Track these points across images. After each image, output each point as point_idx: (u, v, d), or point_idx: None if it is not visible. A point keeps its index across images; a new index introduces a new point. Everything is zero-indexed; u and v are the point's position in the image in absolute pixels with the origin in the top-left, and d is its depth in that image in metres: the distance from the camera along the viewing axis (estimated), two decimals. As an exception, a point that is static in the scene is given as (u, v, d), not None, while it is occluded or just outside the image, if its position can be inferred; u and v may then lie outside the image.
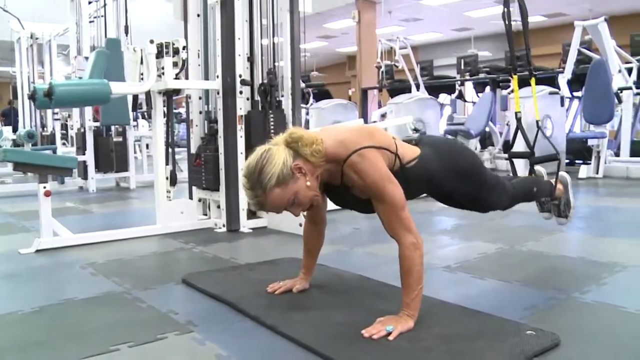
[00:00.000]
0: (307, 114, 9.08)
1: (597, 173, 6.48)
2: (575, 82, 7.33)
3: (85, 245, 3.33)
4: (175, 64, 3.57)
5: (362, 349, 1.67)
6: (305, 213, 2.13)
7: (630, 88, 6.69)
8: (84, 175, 6.19)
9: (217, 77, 3.74)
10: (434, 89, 9.78)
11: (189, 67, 3.87)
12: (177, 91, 3.67)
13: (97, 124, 6.11)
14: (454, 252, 3.07)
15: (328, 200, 2.14)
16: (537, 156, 2.82)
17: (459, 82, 9.63)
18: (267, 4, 4.00)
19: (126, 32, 6.17)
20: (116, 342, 1.80)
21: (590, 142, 6.76)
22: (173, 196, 3.79)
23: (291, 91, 3.94)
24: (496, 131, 8.11)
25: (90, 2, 6.27)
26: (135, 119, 7.67)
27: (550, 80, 7.76)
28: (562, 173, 2.81)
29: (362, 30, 12.68)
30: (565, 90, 7.29)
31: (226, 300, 2.18)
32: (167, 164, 3.71)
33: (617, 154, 6.88)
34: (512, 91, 6.83)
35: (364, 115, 10.59)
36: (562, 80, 7.25)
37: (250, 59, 3.94)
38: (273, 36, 4.03)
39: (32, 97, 3.33)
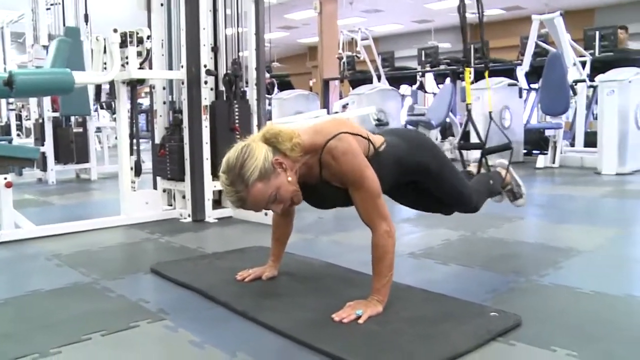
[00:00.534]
0: (270, 104, 9.07)
1: (554, 163, 6.67)
2: (533, 74, 7.52)
3: (48, 237, 3.28)
4: (139, 54, 3.53)
5: (333, 333, 1.71)
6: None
7: (584, 81, 6.90)
8: (43, 167, 6.05)
9: (182, 67, 3.71)
10: (395, 80, 9.89)
11: (152, 57, 3.83)
12: (142, 81, 3.64)
13: (56, 114, 5.97)
14: (418, 240, 3.15)
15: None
16: (489, 147, 2.88)
17: (419, 74, 9.75)
18: (231, -7, 3.99)
19: (86, 21, 6.05)
20: (87, 331, 1.80)
21: (547, 132, 6.96)
22: (137, 187, 3.76)
23: (256, 81, 3.94)
24: (456, 122, 8.26)
25: (47, -12, 6.12)
26: (96, 110, 7.51)
27: (509, 72, 7.94)
28: (500, 160, 2.88)
29: (324, 21, 12.70)
30: (523, 82, 7.47)
31: (196, 289, 2.20)
32: (131, 154, 3.68)
33: (572, 144, 7.10)
34: (472, 82, 6.99)
35: (326, 105, 10.63)
36: (520, 72, 7.42)
37: (215, 49, 3.93)
38: (237, 26, 4.02)
39: (-9, 86, 3.26)
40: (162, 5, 3.95)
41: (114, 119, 9.85)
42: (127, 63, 3.52)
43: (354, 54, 10.33)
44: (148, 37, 3.58)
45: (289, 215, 2.27)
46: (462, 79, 8.39)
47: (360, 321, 1.77)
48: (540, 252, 2.84)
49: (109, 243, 3.17)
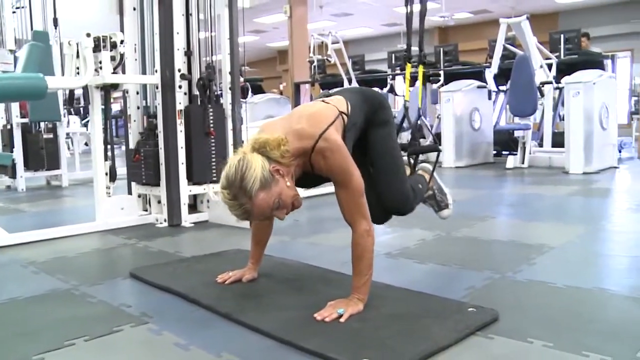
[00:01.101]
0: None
1: (523, 163, 6.82)
2: (501, 77, 7.67)
3: (22, 244, 3.24)
4: (112, 59, 3.52)
5: (316, 331, 1.74)
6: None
7: (550, 82, 7.07)
8: (12, 174, 5.93)
9: (156, 71, 3.71)
10: (366, 83, 9.96)
11: (125, 61, 3.81)
12: (116, 86, 3.61)
13: (25, 120, 5.87)
14: (393, 240, 3.19)
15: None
16: (415, 147, 2.65)
17: (390, 77, 9.85)
18: (204, -3, 3.99)
19: (55, 25, 5.96)
20: (70, 337, 1.79)
21: (516, 133, 7.11)
22: (112, 192, 3.74)
23: (230, 86, 3.95)
24: (427, 124, 8.35)
25: (12, -9, 6.01)
26: (64, 115, 7.40)
27: (477, 74, 8.09)
28: (422, 164, 2.67)
29: (294, 25, 12.72)
30: (492, 85, 7.62)
31: (178, 292, 2.20)
32: (105, 159, 3.65)
33: (540, 145, 7.26)
34: (443, 84, 7.10)
35: (298, 109, 10.64)
36: (489, 74, 7.57)
37: (188, 53, 3.93)
38: (211, 30, 4.02)
39: (-40, 91, 3.20)
40: (134, 9, 3.93)
41: (84, 125, 9.75)
42: (100, 68, 3.50)
43: (325, 57, 10.39)
44: (121, 42, 3.56)
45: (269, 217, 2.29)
46: (432, 82, 8.56)
47: (342, 319, 1.81)
48: (514, 249, 2.92)
49: (86, 249, 3.15)
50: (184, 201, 3.76)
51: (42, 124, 6.16)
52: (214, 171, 3.82)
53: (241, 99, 4.06)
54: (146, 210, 3.99)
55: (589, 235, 3.19)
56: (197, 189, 3.86)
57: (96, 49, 3.47)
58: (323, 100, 2.07)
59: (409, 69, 3.10)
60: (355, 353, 1.57)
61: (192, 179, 3.80)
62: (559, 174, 6.03)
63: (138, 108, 3.97)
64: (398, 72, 9.76)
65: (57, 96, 5.58)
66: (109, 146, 3.71)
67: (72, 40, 3.53)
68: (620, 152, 7.54)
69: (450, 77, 8.22)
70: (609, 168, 6.40)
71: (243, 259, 2.43)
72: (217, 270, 2.39)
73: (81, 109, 10.93)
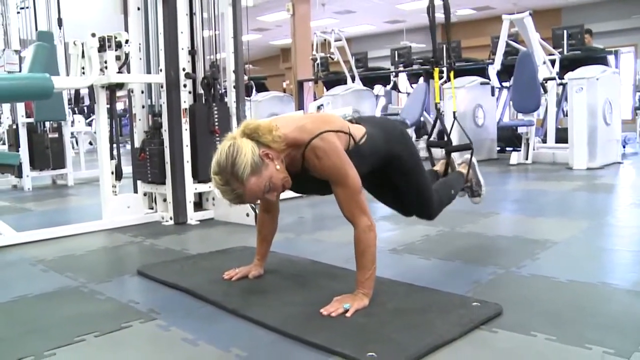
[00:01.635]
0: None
1: (527, 159, 6.83)
2: (504, 73, 7.68)
3: (30, 243, 3.28)
4: (117, 58, 3.55)
5: (322, 326, 1.76)
6: (258, 202, 2.20)
7: (554, 79, 7.07)
8: (18, 174, 5.98)
9: (161, 70, 3.73)
10: (369, 81, 9.99)
11: (130, 61, 3.84)
12: (121, 85, 3.64)
13: (31, 120, 5.91)
14: (398, 236, 3.22)
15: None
16: (452, 145, 2.96)
17: (393, 74, 9.86)
18: (208, -4, 4.02)
19: (59, 25, 5.99)
20: (80, 333, 1.82)
21: (519, 130, 7.11)
22: (118, 191, 3.77)
23: (235, 84, 3.98)
24: (430, 121, 8.37)
25: (17, -9, 6.04)
26: (70, 115, 7.44)
27: (480, 71, 8.09)
28: (466, 156, 2.97)
29: (297, 23, 12.74)
30: (495, 81, 7.62)
31: (185, 288, 2.23)
32: (111, 158, 3.69)
33: (544, 141, 7.27)
34: (446, 81, 7.12)
35: (301, 107, 10.69)
36: (492, 71, 7.57)
37: (192, 52, 3.95)
38: (215, 29, 4.05)
39: (-33, 92, 3.24)
40: (138, 9, 3.95)
41: (89, 124, 9.79)
42: (105, 67, 3.53)
43: (328, 55, 10.40)
44: (126, 41, 3.59)
45: (273, 211, 2.32)
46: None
47: (348, 314, 1.83)
48: (518, 244, 2.93)
49: (93, 247, 3.18)
50: (190, 199, 3.79)
51: (48, 124, 6.20)
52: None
53: (245, 97, 4.07)
54: (152, 209, 4.02)
55: (592, 230, 3.20)
56: (202, 187, 3.89)
57: (101, 48, 3.51)
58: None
59: (436, 72, 3.23)
60: (360, 347, 1.59)
61: (197, 177, 3.82)
62: (562, 170, 6.04)
63: (143, 107, 4.00)
64: (401, 69, 9.78)
65: (61, 96, 5.61)
66: (114, 145, 3.74)
67: (78, 40, 3.56)
68: (624, 147, 7.54)
69: (454, 74, 8.21)
70: (613, 163, 6.40)
71: (249, 256, 2.46)
72: (223, 267, 2.42)
73: (85, 108, 10.97)
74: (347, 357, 1.56)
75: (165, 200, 3.85)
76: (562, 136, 6.89)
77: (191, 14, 3.94)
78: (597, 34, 9.36)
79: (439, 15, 3.27)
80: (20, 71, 4.96)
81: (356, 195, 1.92)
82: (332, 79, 10.33)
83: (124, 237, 3.41)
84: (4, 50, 6.04)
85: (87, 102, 9.25)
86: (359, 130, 2.08)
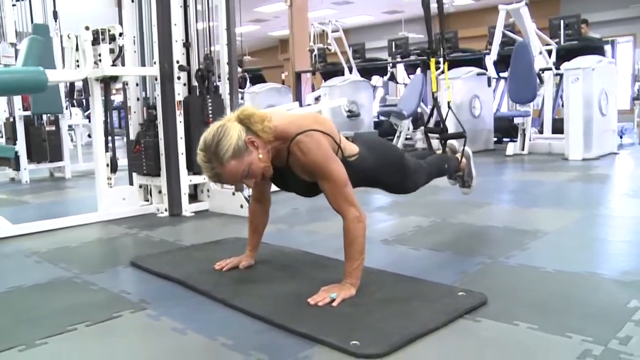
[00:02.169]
0: (242, 98, 9.11)
1: (523, 150, 6.84)
2: (501, 63, 7.68)
3: (26, 235, 3.30)
4: (112, 51, 3.56)
5: (308, 315, 1.79)
6: (250, 192, 2.24)
7: (550, 69, 7.08)
8: (16, 166, 5.99)
9: (155, 63, 3.75)
10: (367, 72, 9.99)
11: (125, 53, 3.85)
12: (115, 78, 3.66)
13: (28, 112, 5.93)
14: (390, 227, 3.24)
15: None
16: (446, 133, 3.09)
17: (390, 65, 9.86)
18: (202, -12, 4.02)
19: (55, 18, 6.00)
20: (72, 322, 1.85)
21: (516, 120, 7.12)
22: (113, 183, 3.80)
23: (228, 76, 3.99)
24: (428, 111, 8.38)
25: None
26: (67, 107, 7.45)
27: (478, 61, 8.09)
28: (465, 148, 3.05)
29: (294, 14, 12.71)
30: (492, 71, 7.62)
31: (176, 279, 2.26)
32: (106, 151, 3.71)
33: (540, 132, 7.28)
34: (442, 72, 7.12)
35: (298, 98, 10.69)
36: (489, 61, 7.58)
37: (187, 45, 3.97)
38: (209, 21, 4.06)
39: (-39, 85, 3.26)
40: (132, 1, 3.96)
41: (87, 117, 9.80)
42: (99, 60, 3.54)
43: (325, 46, 10.39)
44: (120, 34, 3.60)
45: (265, 202, 2.35)
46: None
47: (335, 304, 1.86)
48: (508, 235, 2.96)
49: (88, 239, 3.21)
50: (185, 191, 3.81)
51: (45, 117, 6.21)
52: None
53: (239, 89, 4.09)
54: (147, 201, 4.05)
55: (584, 220, 3.23)
56: (197, 179, 3.91)
57: (95, 41, 3.52)
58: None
59: (433, 63, 3.28)
60: (345, 336, 1.62)
61: (192, 169, 3.84)
62: (558, 161, 6.06)
63: (138, 99, 4.02)
64: (399, 59, 9.77)
65: (58, 89, 5.62)
66: (109, 137, 3.76)
67: (72, 33, 3.57)
68: (621, 137, 7.55)
69: (450, 65, 8.21)
70: (609, 154, 6.42)
71: (241, 247, 2.48)
72: (215, 258, 2.45)
73: (83, 101, 10.98)
74: (331, 345, 1.59)
75: (160, 192, 3.88)
76: (558, 127, 6.90)
77: (185, 6, 3.95)
78: (596, 24, 9.35)
79: (436, 6, 3.31)
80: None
81: (342, 187, 1.95)
82: (329, 70, 10.33)
83: (119, 228, 3.44)
84: (-1, 43, 6.06)
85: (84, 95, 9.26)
86: (352, 147, 2.15)
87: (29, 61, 3.49)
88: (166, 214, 3.80)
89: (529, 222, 3.26)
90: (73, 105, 9.09)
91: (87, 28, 3.48)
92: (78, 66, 3.58)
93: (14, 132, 5.91)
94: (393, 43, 10.03)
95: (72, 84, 4.54)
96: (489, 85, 7.63)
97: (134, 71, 3.92)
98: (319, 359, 1.55)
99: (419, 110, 8.10)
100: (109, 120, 3.77)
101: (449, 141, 3.12)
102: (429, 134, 3.37)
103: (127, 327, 1.84)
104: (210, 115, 3.86)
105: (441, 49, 3.48)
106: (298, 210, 3.80)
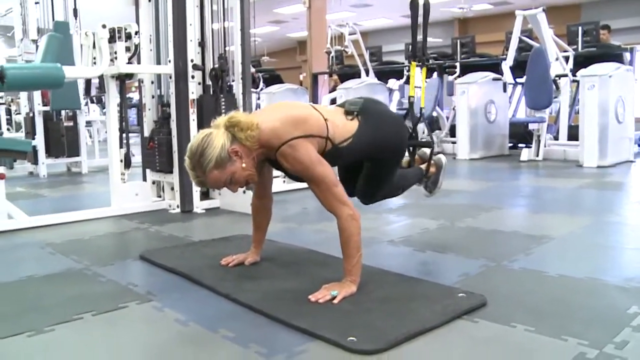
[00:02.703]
0: (259, 98, 9.18)
1: (537, 156, 6.80)
2: (518, 69, 7.65)
3: (41, 227, 3.39)
4: (127, 49, 3.63)
5: (309, 311, 1.83)
6: (244, 189, 2.28)
7: (566, 75, 7.03)
8: (34, 161, 6.12)
9: (169, 61, 3.81)
10: (383, 74, 9.98)
11: (141, 51, 3.92)
12: (130, 76, 3.73)
13: (47, 108, 6.05)
14: (398, 228, 3.27)
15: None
16: (412, 140, 2.87)
17: (407, 68, 9.85)
18: (217, -11, 4.08)
19: (75, 16, 6.11)
20: (79, 311, 1.91)
21: (530, 126, 7.09)
22: (127, 179, 3.86)
23: (241, 76, 4.05)
24: (443, 115, 8.38)
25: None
26: (86, 104, 7.58)
27: (494, 66, 8.07)
28: (439, 156, 2.90)
29: (313, 16, 12.77)
30: (508, 77, 7.59)
31: (182, 273, 2.31)
32: (121, 147, 3.78)
33: (556, 138, 7.24)
34: (459, 76, 7.11)
35: (315, 99, 10.73)
36: (505, 66, 7.55)
37: (202, 44, 4.03)
38: (224, 21, 4.12)
39: (-17, 79, 3.34)
40: (149, 1, 4.03)
41: (104, 113, 9.93)
42: (115, 58, 3.61)
43: (342, 48, 10.41)
44: (136, 33, 3.67)
45: (266, 199, 2.39)
46: (449, 74, 8.56)
47: (335, 301, 1.90)
48: (514, 239, 2.97)
49: (100, 232, 3.28)
50: (196, 188, 3.87)
51: (63, 112, 6.33)
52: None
53: (252, 89, 4.14)
54: (160, 197, 4.11)
55: (592, 227, 3.22)
56: (209, 177, 3.96)
57: (112, 39, 3.59)
58: (343, 107, 2.21)
59: (413, 67, 3.20)
60: (343, 332, 1.66)
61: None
62: (572, 167, 6.02)
63: (153, 97, 4.08)
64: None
65: (77, 85, 5.72)
66: (124, 134, 3.82)
67: (89, 31, 3.65)
68: (638, 145, 7.47)
69: (466, 69, 8.22)
70: (625, 162, 6.36)
71: (248, 244, 2.52)
72: (222, 254, 2.50)
73: (102, 97, 11.12)
74: (328, 341, 1.63)
75: (172, 188, 3.94)
76: (574, 133, 6.85)
77: (201, 7, 4.01)
78: (617, 31, 9.26)
79: (455, 10, 3.29)
80: (36, 60, 5.07)
81: (331, 189, 1.99)
82: (346, 72, 10.34)
83: (131, 223, 3.51)
84: (22, 39, 6.18)
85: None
86: (346, 130, 2.13)
87: (47, 58, 3.57)
88: (178, 210, 3.86)
89: (536, 227, 3.26)
90: (92, 102, 9.23)
91: (104, 26, 3.55)
92: (95, 63, 3.65)
93: (33, 127, 6.03)
94: (409, 47, 10.01)
95: (88, 81, 4.63)
96: (505, 90, 7.61)
97: (149, 69, 3.99)
98: (316, 354, 1.59)
99: (434, 114, 8.11)
100: (125, 117, 3.84)
101: (420, 149, 2.94)
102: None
103: (132, 317, 1.90)
104: (224, 114, 3.91)
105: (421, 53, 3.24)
106: (307, 210, 3.84)
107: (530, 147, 6.99)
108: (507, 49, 7.71)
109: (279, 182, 4.21)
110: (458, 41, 9.00)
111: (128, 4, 4.07)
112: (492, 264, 2.45)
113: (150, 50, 4.06)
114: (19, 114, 7.65)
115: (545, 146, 6.88)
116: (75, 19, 6.13)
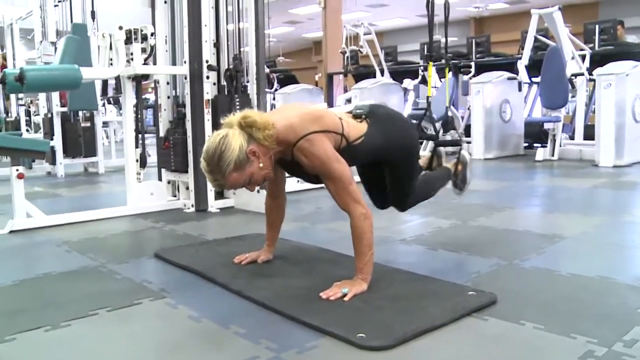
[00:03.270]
0: (274, 98, 9.23)
1: (553, 155, 6.76)
2: (533, 68, 7.61)
3: (58, 225, 3.44)
4: (143, 50, 3.68)
5: (320, 309, 1.85)
6: (258, 188, 2.31)
7: (582, 74, 6.98)
8: (52, 161, 6.21)
9: (185, 62, 3.86)
10: (398, 74, 9.97)
11: (156, 52, 3.98)
12: (146, 76, 3.78)
13: (65, 109, 6.14)
14: (411, 227, 3.28)
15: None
16: (440, 140, 2.94)
17: (422, 68, 9.83)
18: (232, -10, 4.12)
19: (93, 18, 6.20)
20: (94, 307, 1.96)
21: (546, 125, 7.04)
22: (143, 179, 3.92)
23: (256, 76, 4.08)
24: (458, 115, 8.37)
25: (55, -15, 6.26)
26: (103, 105, 7.68)
27: (510, 65, 8.04)
28: (463, 153, 2.93)
29: (328, 16, 12.78)
30: (524, 76, 7.56)
31: (196, 270, 2.35)
32: (136, 147, 3.83)
33: (572, 137, 7.19)
34: (474, 76, 7.09)
35: (330, 99, 10.76)
36: (521, 65, 7.52)
37: (217, 45, 4.07)
38: (238, 22, 4.16)
39: (2, 81, 3.41)
40: (165, 2, 4.08)
41: (121, 114, 10.04)
42: (132, 59, 3.67)
43: (358, 48, 10.42)
44: (152, 34, 3.73)
45: (280, 198, 2.42)
46: (464, 73, 8.54)
47: (346, 299, 1.92)
48: (527, 238, 2.97)
49: (116, 231, 3.33)
50: (211, 188, 3.91)
51: (80, 113, 6.42)
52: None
53: (266, 89, 4.17)
54: (175, 196, 4.16)
55: (605, 226, 3.20)
56: (223, 176, 4.00)
57: (128, 41, 3.64)
58: (350, 113, 2.22)
59: (430, 67, 3.23)
60: (353, 329, 1.68)
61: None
62: (588, 167, 5.98)
63: (168, 97, 4.13)
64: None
65: (94, 86, 5.80)
66: (140, 134, 3.88)
67: (106, 32, 3.70)
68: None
69: (481, 69, 8.19)
70: (642, 161, 6.31)
71: (262, 242, 2.55)
72: (236, 252, 2.53)
73: (119, 98, 11.24)
74: (338, 337, 1.65)
75: (187, 188, 3.99)
76: (590, 133, 6.80)
77: (216, 8, 4.05)
78: (633, 29, 9.16)
79: (471, 9, 3.32)
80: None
81: (347, 186, 2.00)
82: (361, 72, 10.35)
83: (146, 222, 3.56)
84: (41, 42, 6.29)
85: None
86: (357, 130, 2.15)
87: (65, 59, 3.64)
88: (192, 209, 3.91)
89: (549, 226, 3.25)
90: (109, 103, 9.34)
91: (120, 28, 3.61)
92: (111, 64, 3.71)
93: (51, 128, 6.13)
94: (425, 46, 10.01)
95: (105, 82, 4.69)
96: (520, 89, 7.57)
97: (165, 70, 4.04)
98: (326, 350, 1.61)
99: (450, 114, 8.09)
100: (140, 117, 3.90)
101: (440, 148, 2.98)
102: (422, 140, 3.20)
103: (146, 313, 1.93)
104: (238, 114, 3.95)
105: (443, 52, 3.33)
106: (321, 209, 3.86)
107: (546, 146, 6.95)
108: (523, 48, 7.67)
109: (293, 182, 4.24)
110: (473, 40, 8.97)
111: (144, 5, 4.12)
112: (503, 262, 2.46)
113: (166, 51, 4.11)
114: (38, 114, 7.77)
115: (560, 146, 6.83)
116: (93, 20, 6.22)
